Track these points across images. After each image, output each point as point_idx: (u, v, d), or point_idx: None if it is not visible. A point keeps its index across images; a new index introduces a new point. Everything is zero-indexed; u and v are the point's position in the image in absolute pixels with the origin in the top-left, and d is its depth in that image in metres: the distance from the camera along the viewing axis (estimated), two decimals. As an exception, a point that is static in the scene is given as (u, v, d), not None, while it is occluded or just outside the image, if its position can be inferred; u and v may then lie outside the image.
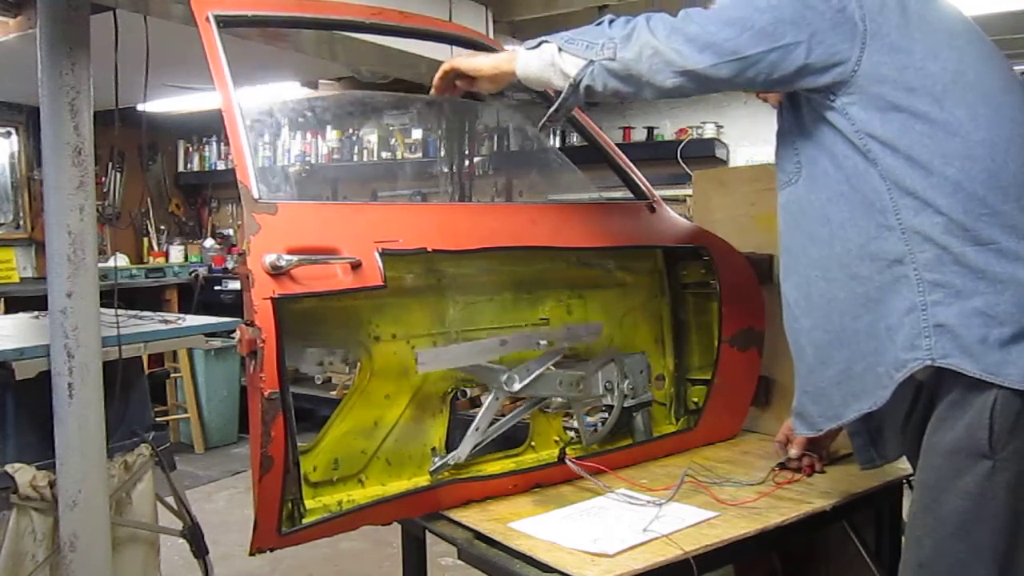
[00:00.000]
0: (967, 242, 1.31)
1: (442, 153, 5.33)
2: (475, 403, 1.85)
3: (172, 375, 5.53)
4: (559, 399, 1.84)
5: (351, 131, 5.86)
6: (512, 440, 1.87)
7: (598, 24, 1.57)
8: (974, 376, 1.29)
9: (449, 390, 1.79)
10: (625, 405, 1.98)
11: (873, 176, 1.37)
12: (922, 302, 1.33)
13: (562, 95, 1.59)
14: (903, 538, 1.42)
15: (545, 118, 1.66)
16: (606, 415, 1.97)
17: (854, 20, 1.35)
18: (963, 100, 1.34)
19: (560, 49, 1.58)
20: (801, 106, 1.47)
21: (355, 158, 5.74)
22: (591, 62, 1.53)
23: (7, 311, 4.90)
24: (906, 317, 1.34)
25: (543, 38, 1.65)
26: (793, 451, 1.86)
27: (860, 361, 1.42)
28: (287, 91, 5.08)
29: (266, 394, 1.40)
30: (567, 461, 1.78)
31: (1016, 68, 1.49)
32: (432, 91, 1.86)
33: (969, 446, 1.30)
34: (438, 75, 1.83)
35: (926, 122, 1.34)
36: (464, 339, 1.81)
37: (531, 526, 1.58)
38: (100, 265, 2.21)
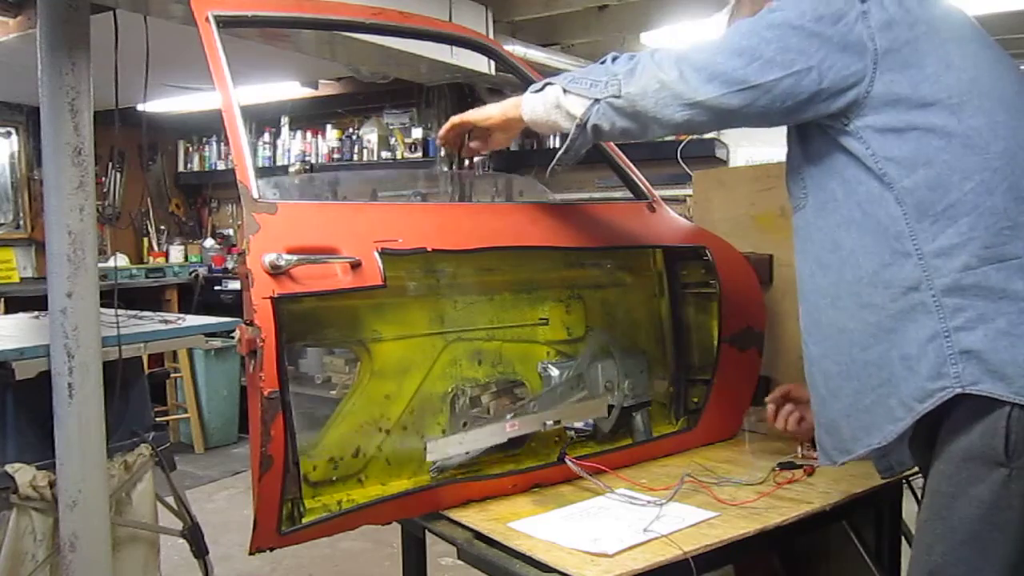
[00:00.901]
0: (988, 261, 1.28)
1: (442, 153, 5.33)
2: (476, 403, 1.85)
3: (172, 375, 5.53)
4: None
5: (351, 130, 5.85)
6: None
7: (602, 62, 1.54)
8: (1005, 399, 1.25)
9: (450, 389, 1.79)
10: (625, 405, 1.98)
11: (888, 201, 1.33)
12: (944, 329, 1.29)
13: (569, 137, 1.56)
14: (912, 544, 1.41)
15: (554, 161, 1.62)
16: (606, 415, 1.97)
17: (862, 41, 1.32)
18: (981, 108, 1.32)
19: (565, 90, 1.55)
20: (811, 129, 1.43)
21: (355, 158, 5.74)
22: (596, 101, 1.50)
23: (7, 311, 4.90)
24: (928, 345, 1.30)
25: (547, 80, 1.63)
26: (769, 397, 1.89)
27: (869, 394, 1.38)
28: (287, 91, 5.09)
29: (266, 393, 1.40)
30: (567, 461, 1.78)
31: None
32: (439, 142, 1.84)
33: (984, 454, 1.27)
34: (446, 128, 1.79)
35: (943, 137, 1.30)
36: (462, 339, 1.81)
37: (531, 526, 1.58)
38: (100, 265, 2.21)
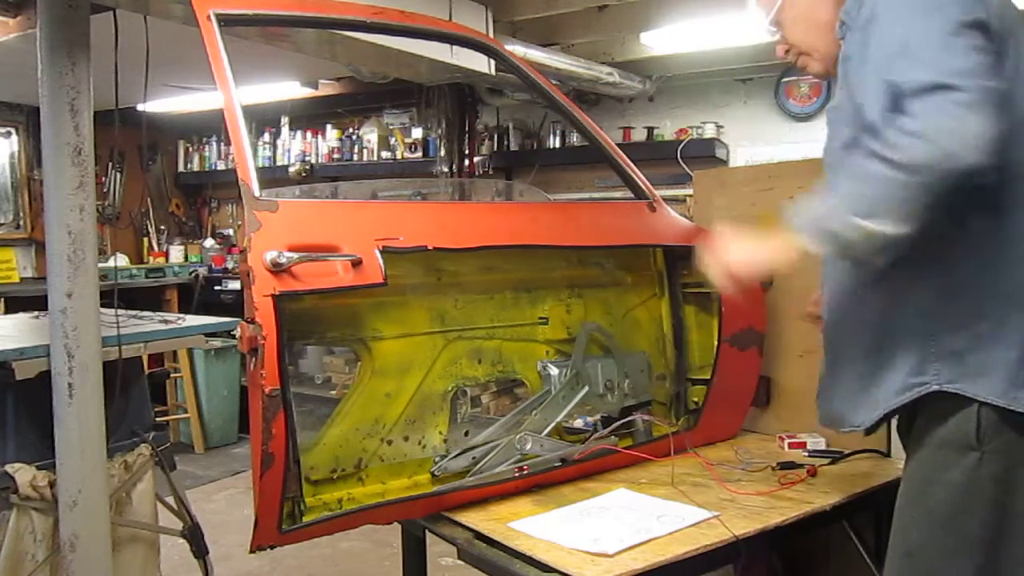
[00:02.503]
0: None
1: (442, 153, 5.33)
2: (476, 403, 1.85)
3: (172, 375, 5.53)
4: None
5: (351, 130, 5.84)
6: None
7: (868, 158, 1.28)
8: (977, 399, 1.30)
9: (450, 388, 1.79)
10: (625, 405, 1.98)
11: None
12: (930, 328, 1.34)
13: (873, 243, 1.28)
14: (891, 530, 1.44)
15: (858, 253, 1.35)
16: (606, 415, 1.97)
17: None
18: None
19: (843, 204, 1.29)
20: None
21: (355, 158, 5.73)
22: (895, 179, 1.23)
23: (7, 311, 4.89)
24: (912, 344, 1.35)
25: (809, 209, 1.35)
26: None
27: (855, 382, 1.45)
28: (287, 91, 5.08)
29: (267, 391, 1.40)
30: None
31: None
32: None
33: (957, 439, 1.32)
34: (720, 277, 1.48)
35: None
36: (462, 338, 1.81)
37: (531, 526, 1.58)
38: (100, 265, 2.21)
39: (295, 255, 1.45)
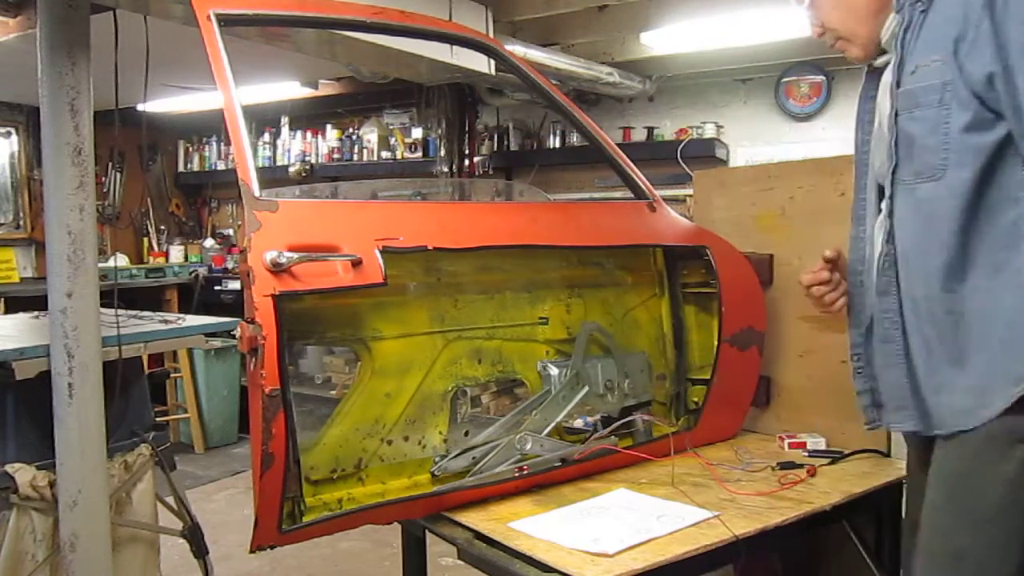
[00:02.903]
0: None
1: (442, 153, 5.33)
2: (476, 403, 1.85)
3: (172, 375, 5.53)
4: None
5: (351, 130, 5.84)
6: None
7: None
8: None
9: (450, 388, 1.79)
10: (625, 405, 1.98)
11: None
12: None
13: None
14: (922, 533, 1.40)
15: None
16: (606, 415, 1.97)
17: None
18: None
19: None
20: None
21: (355, 158, 5.73)
22: None
23: (7, 311, 4.89)
24: None
25: None
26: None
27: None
28: (287, 91, 5.09)
29: (267, 391, 1.40)
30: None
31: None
32: None
33: (1012, 430, 1.28)
34: None
35: None
36: (462, 338, 1.81)
37: (531, 526, 1.58)
38: (100, 265, 2.21)
39: (295, 255, 1.45)
